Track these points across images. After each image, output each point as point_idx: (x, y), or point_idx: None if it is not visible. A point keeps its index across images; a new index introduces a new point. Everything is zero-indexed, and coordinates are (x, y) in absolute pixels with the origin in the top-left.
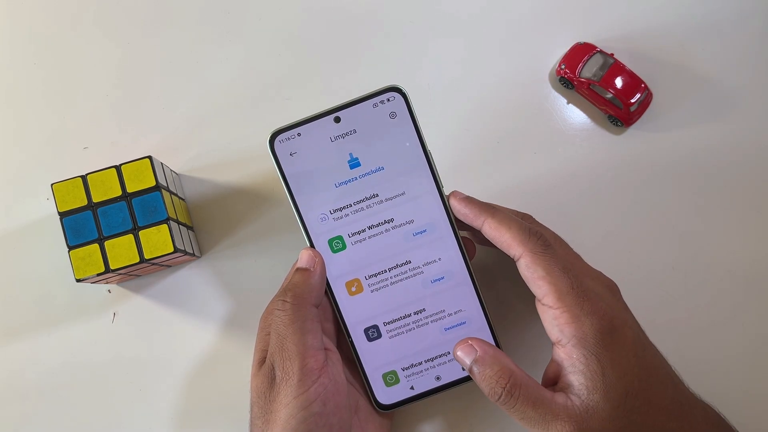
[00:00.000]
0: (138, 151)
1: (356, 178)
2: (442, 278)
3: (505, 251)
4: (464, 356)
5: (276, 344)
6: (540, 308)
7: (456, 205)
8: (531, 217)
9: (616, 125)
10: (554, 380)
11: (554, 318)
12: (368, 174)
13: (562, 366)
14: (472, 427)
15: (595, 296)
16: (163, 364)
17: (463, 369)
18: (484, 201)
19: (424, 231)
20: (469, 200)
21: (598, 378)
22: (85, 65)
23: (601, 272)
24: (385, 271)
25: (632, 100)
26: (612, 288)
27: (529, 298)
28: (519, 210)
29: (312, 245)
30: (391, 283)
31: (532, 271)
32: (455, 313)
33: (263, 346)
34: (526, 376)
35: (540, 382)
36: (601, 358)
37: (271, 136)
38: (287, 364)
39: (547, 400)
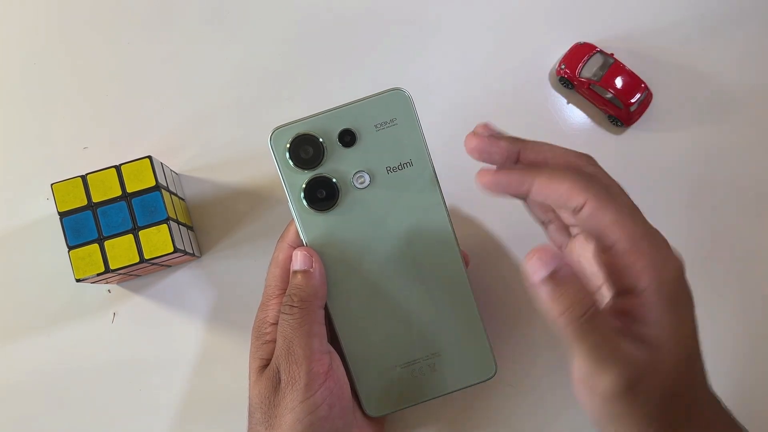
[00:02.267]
0: (138, 151)
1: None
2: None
3: (562, 206)
4: (539, 268)
5: (282, 348)
6: (606, 258)
7: (491, 180)
8: (592, 158)
9: (616, 125)
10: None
11: (630, 264)
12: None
13: (631, 313)
14: (471, 426)
15: (666, 243)
16: (162, 364)
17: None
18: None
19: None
20: (502, 169)
21: (670, 330)
22: (85, 65)
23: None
24: None
25: (632, 100)
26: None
27: (522, 301)
28: (578, 150)
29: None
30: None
31: (599, 218)
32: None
33: (261, 354)
34: (600, 302)
35: None
36: (678, 309)
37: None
38: (293, 368)
39: (615, 341)
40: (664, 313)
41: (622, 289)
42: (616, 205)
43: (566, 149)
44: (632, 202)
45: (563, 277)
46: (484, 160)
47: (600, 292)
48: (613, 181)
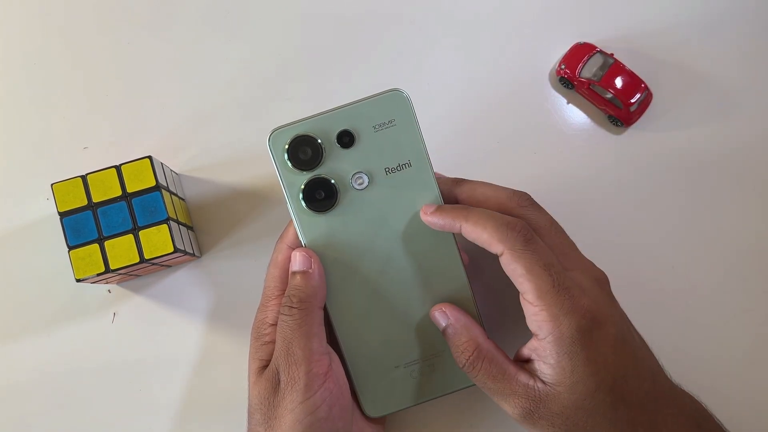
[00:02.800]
0: (138, 151)
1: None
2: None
3: (488, 250)
4: (439, 319)
5: (282, 349)
6: (522, 302)
7: (429, 220)
8: (526, 196)
9: (616, 125)
10: (527, 359)
11: (533, 315)
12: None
13: (536, 353)
14: (471, 426)
15: (579, 292)
16: (162, 364)
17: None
18: (456, 204)
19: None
20: (440, 209)
21: (566, 374)
22: (85, 65)
23: (592, 263)
24: None
25: (632, 100)
26: (601, 280)
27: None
28: (517, 188)
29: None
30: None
31: (512, 269)
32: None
33: (261, 356)
34: (493, 349)
35: (513, 356)
36: (574, 356)
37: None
38: (293, 369)
39: (509, 375)
40: (561, 358)
41: (533, 332)
42: (529, 257)
43: (501, 189)
44: (561, 243)
45: (454, 327)
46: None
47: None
48: (545, 220)
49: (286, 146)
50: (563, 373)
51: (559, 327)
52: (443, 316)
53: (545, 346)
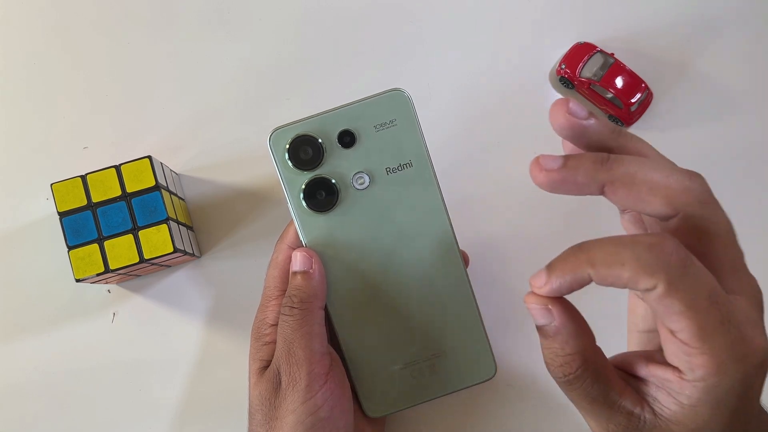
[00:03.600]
0: (138, 151)
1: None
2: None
3: (632, 289)
4: (538, 316)
5: (283, 349)
6: (668, 339)
7: (546, 291)
8: (704, 188)
9: (617, 125)
10: (639, 376)
11: (687, 354)
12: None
13: (665, 383)
14: (471, 426)
15: (752, 328)
16: (162, 364)
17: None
18: (565, 253)
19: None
20: (551, 272)
21: (697, 420)
22: (85, 65)
23: (754, 278)
24: None
25: (632, 100)
26: (760, 300)
27: (522, 301)
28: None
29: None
30: None
31: (666, 305)
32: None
33: (261, 356)
34: (600, 366)
35: (630, 347)
36: (720, 406)
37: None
38: (294, 370)
39: (611, 400)
40: (703, 405)
41: (674, 364)
42: (687, 291)
43: (669, 171)
44: (734, 252)
45: (549, 332)
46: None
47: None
48: (723, 225)
49: (287, 146)
50: (694, 418)
51: (722, 375)
52: (546, 315)
53: (687, 387)
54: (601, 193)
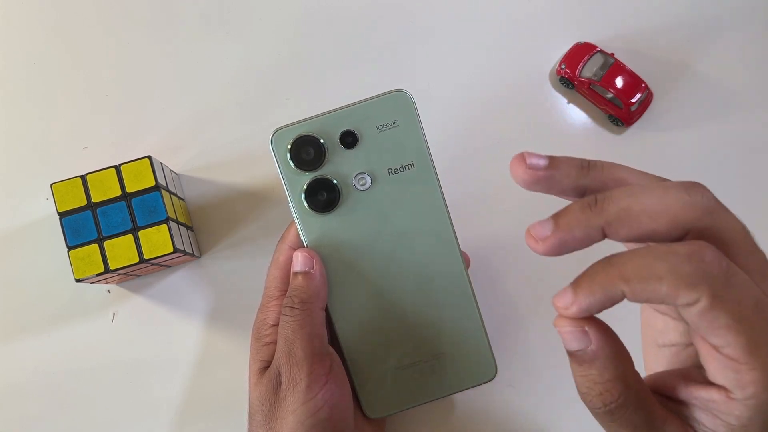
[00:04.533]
0: (138, 151)
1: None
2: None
3: (670, 305)
4: (572, 340)
5: (283, 350)
6: (709, 353)
7: (575, 312)
8: (707, 195)
9: (617, 125)
10: (682, 401)
11: (735, 371)
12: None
13: (710, 405)
14: (471, 427)
15: None
16: (162, 364)
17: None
18: (595, 265)
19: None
20: (580, 291)
21: None
22: (85, 65)
23: None
24: None
25: (633, 100)
26: None
27: (523, 302)
28: (689, 180)
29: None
30: None
31: (710, 319)
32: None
33: (261, 356)
34: (641, 392)
35: (666, 364)
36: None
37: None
38: (294, 370)
39: (655, 427)
40: (752, 425)
41: (718, 383)
42: (733, 302)
43: (664, 190)
44: (759, 256)
45: (586, 358)
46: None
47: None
48: (738, 229)
49: (289, 146)
50: None
51: None
52: (582, 338)
53: (736, 406)
54: (604, 237)
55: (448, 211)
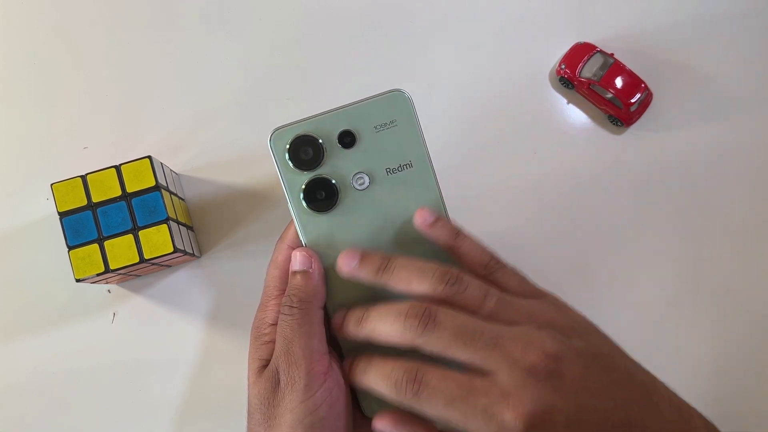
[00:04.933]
0: (138, 151)
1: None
2: None
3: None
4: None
5: (281, 349)
6: None
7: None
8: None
9: (616, 125)
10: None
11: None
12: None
13: None
14: None
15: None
16: (162, 364)
17: None
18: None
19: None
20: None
21: None
22: (85, 65)
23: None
24: None
25: (632, 100)
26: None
27: None
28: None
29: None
30: None
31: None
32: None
33: (260, 355)
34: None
35: None
36: None
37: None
38: (293, 369)
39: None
40: None
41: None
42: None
43: (397, 316)
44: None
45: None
46: None
47: None
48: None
49: (287, 146)
50: None
51: None
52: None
53: None
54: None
55: (446, 211)
